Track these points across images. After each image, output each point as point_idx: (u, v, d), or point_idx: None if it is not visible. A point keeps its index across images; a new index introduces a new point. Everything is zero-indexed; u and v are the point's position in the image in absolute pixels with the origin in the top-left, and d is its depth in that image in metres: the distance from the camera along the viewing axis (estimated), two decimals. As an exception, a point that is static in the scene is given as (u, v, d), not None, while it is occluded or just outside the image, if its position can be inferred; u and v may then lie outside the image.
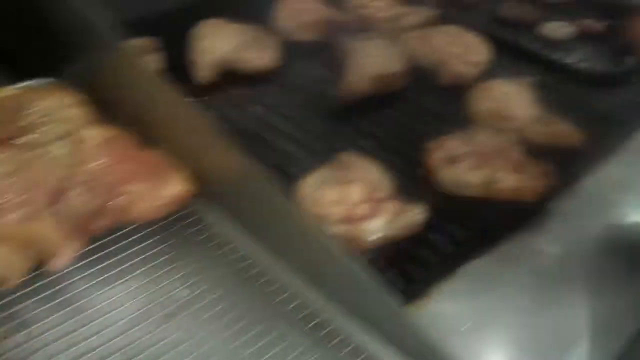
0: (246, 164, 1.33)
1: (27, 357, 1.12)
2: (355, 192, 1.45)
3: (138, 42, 1.89)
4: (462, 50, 2.04)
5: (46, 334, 1.15)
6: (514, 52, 2.19)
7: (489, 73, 2.04)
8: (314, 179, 1.48)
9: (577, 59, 2.14)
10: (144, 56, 1.81)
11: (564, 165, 1.70)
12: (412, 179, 1.62)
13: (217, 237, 1.38)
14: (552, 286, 1.43)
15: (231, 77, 1.92)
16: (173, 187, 1.40)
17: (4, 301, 1.17)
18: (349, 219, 1.40)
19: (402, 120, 1.83)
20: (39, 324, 1.17)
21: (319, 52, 2.07)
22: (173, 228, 1.39)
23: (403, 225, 1.43)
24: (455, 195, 1.57)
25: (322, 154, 1.66)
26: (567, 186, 1.68)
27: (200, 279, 1.29)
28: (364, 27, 2.17)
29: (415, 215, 1.45)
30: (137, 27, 2.01)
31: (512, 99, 1.84)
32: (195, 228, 1.40)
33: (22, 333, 1.15)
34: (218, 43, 1.93)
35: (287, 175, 1.59)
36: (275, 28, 2.12)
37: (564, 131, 1.77)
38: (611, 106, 1.99)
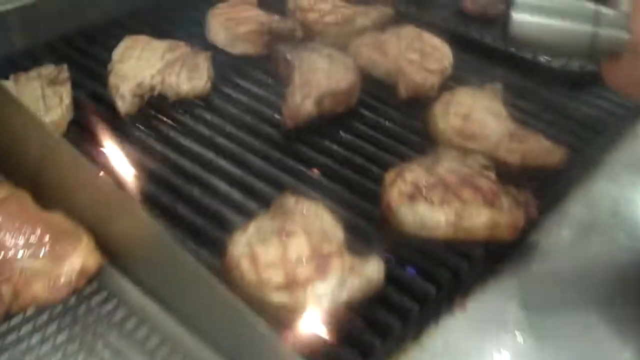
0: (156, 229, 1.09)
1: None
2: (298, 247, 1.21)
3: (46, 71, 1.62)
4: (420, 55, 1.79)
5: None
6: (480, 52, 1.96)
7: (454, 79, 1.81)
8: (246, 235, 1.23)
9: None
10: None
11: (545, 190, 1.47)
12: (368, 219, 1.38)
13: (131, 316, 1.13)
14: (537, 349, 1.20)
15: (157, 105, 1.65)
16: (76, 261, 1.16)
17: None
18: (290, 284, 1.16)
19: (355, 145, 1.59)
20: None
21: (257, 69, 1.81)
22: (79, 310, 1.15)
23: (357, 286, 1.19)
24: (419, 238, 1.33)
25: (262, 195, 1.42)
26: (550, 215, 1.45)
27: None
28: (308, 34, 1.91)
29: (372, 271, 1.21)
30: (48, 50, 1.79)
31: (480, 112, 1.60)
32: (106, 307, 1.16)
33: None
34: (140, 66, 1.67)
35: (222, 225, 1.34)
36: (207, 43, 1.86)
37: (542, 148, 1.54)
38: (592, 111, 1.76)
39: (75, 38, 1.86)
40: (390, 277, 1.24)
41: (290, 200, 1.32)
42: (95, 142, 1.51)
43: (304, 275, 1.17)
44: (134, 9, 1.99)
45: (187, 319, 1.12)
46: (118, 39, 1.78)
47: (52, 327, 1.12)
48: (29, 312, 1.13)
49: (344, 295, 1.17)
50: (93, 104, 1.63)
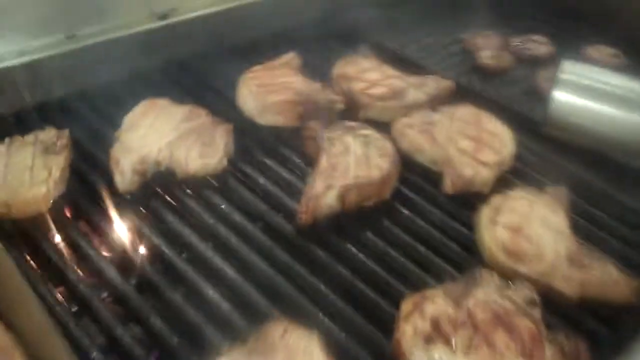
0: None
1: None
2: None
3: (44, 136, 1.46)
4: (475, 143, 1.52)
5: None
6: (551, 141, 1.65)
7: (514, 173, 1.53)
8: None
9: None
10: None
11: (609, 336, 1.18)
12: (377, 356, 1.13)
13: None
14: None
15: (164, 180, 1.45)
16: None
17: None
18: None
19: (380, 252, 1.34)
20: None
21: (285, 145, 1.59)
22: None
23: None
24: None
25: (255, 310, 1.19)
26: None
27: None
28: (351, 108, 1.68)
29: None
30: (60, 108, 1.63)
31: (536, 224, 1.32)
32: None
33: None
34: (149, 136, 1.47)
35: (199, 345, 1.12)
36: (235, 110, 1.65)
37: (609, 279, 1.25)
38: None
39: (95, 95, 1.69)
40: None
41: (276, 331, 1.08)
42: (79, 224, 1.33)
43: None
44: (164, 65, 1.80)
45: None
46: (140, 97, 1.60)
47: None
48: None
49: None
50: (93, 175, 1.44)
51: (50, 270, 1.26)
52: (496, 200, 1.38)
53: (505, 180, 1.50)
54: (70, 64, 1.65)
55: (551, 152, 1.62)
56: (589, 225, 1.42)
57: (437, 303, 1.13)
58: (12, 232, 1.31)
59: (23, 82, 1.59)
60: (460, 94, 1.76)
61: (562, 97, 1.01)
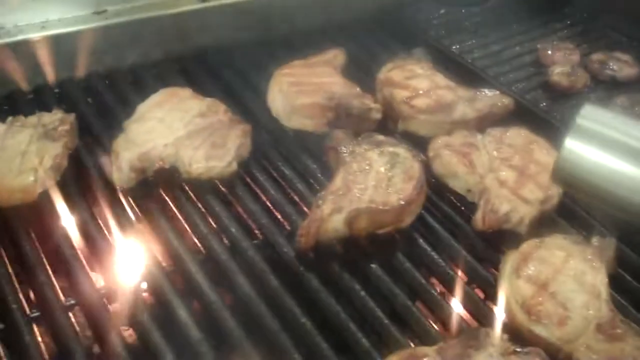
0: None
1: None
2: None
3: (48, 118, 1.37)
4: (518, 174, 1.33)
5: None
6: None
7: (561, 214, 1.33)
8: None
9: None
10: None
11: None
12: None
13: None
14: None
15: (167, 177, 1.33)
16: None
17: None
18: None
19: (385, 292, 1.18)
20: None
21: (309, 152, 1.44)
22: None
23: None
24: None
25: (229, 346, 1.06)
26: None
27: None
28: (391, 117, 1.51)
29: None
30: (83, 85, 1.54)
31: (568, 281, 1.12)
32: None
33: None
34: (157, 130, 1.36)
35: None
36: (263, 107, 1.52)
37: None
38: None
39: (119, 77, 1.59)
40: None
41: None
42: (62, 219, 1.23)
43: None
44: (199, 51, 1.68)
45: None
46: (166, 84, 1.50)
47: None
48: None
49: None
50: (94, 166, 1.34)
51: (22, 267, 1.17)
52: (527, 246, 1.19)
53: (548, 220, 1.30)
54: (96, 42, 1.55)
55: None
56: (631, 294, 1.20)
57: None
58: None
59: (44, 57, 1.51)
60: (520, 114, 1.55)
61: (574, 147, 0.82)
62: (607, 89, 1.69)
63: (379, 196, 1.24)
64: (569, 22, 1.97)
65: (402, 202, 1.24)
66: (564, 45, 1.80)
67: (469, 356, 0.98)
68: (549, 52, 1.76)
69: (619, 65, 1.72)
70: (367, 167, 1.30)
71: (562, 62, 1.72)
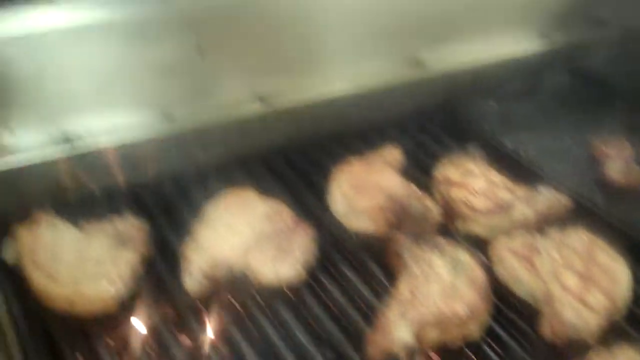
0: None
1: None
2: None
3: (121, 225, 1.42)
4: (582, 279, 1.34)
5: None
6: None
7: (631, 322, 1.33)
8: None
9: None
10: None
11: None
12: None
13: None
14: None
15: (234, 287, 1.37)
16: None
17: None
18: None
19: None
20: None
21: (373, 255, 1.47)
22: None
23: None
24: None
25: None
26: None
27: None
28: (450, 217, 1.53)
29: None
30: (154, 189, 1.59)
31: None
32: None
33: None
34: (225, 236, 1.40)
35: None
36: (324, 209, 1.56)
37: None
38: None
39: (187, 180, 1.64)
40: None
41: None
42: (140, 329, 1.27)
43: None
44: (264, 152, 1.74)
45: None
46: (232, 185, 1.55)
47: None
48: None
49: None
50: (168, 274, 1.38)
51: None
52: (596, 357, 1.19)
53: (619, 329, 1.30)
54: (164, 145, 1.61)
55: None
56: None
57: None
58: (71, 329, 1.27)
59: (114, 161, 1.57)
60: (577, 212, 1.57)
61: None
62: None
63: (447, 305, 1.26)
64: (618, 112, 1.99)
65: (472, 307, 1.25)
66: (619, 139, 1.81)
67: None
68: (604, 147, 1.78)
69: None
70: (430, 273, 1.32)
71: (617, 158, 1.73)
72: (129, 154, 1.57)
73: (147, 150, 1.59)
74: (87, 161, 1.54)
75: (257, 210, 1.48)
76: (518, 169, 1.69)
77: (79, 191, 1.56)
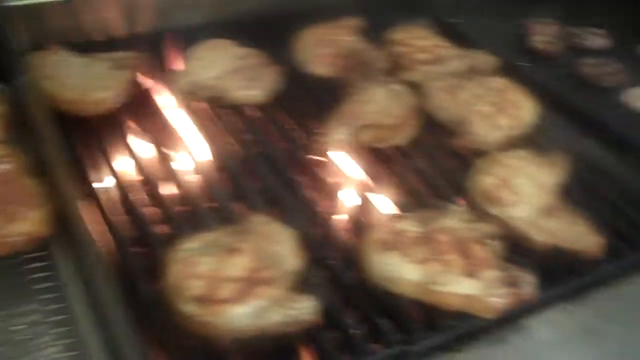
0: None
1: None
2: (234, 267, 1.16)
3: (118, 56, 1.72)
4: (495, 108, 1.64)
5: None
6: (578, 121, 1.75)
7: (530, 142, 1.64)
8: (194, 242, 1.21)
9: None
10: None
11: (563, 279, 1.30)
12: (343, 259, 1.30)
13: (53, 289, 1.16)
14: None
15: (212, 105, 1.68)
16: (22, 225, 1.20)
17: None
18: (205, 299, 1.11)
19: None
20: None
21: (327, 95, 1.77)
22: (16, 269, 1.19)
23: (278, 319, 1.12)
24: (387, 290, 1.22)
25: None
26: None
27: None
28: (396, 69, 1.83)
29: (300, 310, 1.13)
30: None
31: (523, 178, 1.43)
32: (40, 274, 1.19)
33: None
34: (206, 66, 1.71)
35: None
36: (291, 59, 1.86)
37: (577, 232, 1.34)
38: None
39: (177, 33, 1.93)
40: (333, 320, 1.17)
41: (258, 221, 1.27)
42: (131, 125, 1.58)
43: (223, 295, 1.12)
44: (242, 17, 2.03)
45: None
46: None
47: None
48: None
49: (260, 324, 1.11)
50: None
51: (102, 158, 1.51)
52: (494, 155, 1.51)
53: (515, 146, 1.60)
54: (161, 2, 1.91)
55: (574, 130, 1.71)
56: (583, 194, 1.51)
57: (403, 222, 1.29)
58: (77, 126, 1.58)
59: (116, 13, 1.86)
60: (503, 70, 1.87)
61: None
62: (579, 55, 1.99)
63: (379, 117, 1.57)
64: (556, 4, 2.28)
65: (396, 122, 1.57)
66: (547, 21, 2.12)
67: (439, 220, 1.30)
68: (533, 25, 2.08)
69: (592, 37, 2.04)
70: (370, 98, 1.63)
71: (543, 33, 2.04)
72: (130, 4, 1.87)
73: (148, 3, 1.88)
74: (90, 8, 1.83)
75: (233, 52, 1.78)
76: (458, 39, 1.98)
77: (84, 35, 1.86)
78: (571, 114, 1.75)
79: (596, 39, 2.03)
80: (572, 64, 1.94)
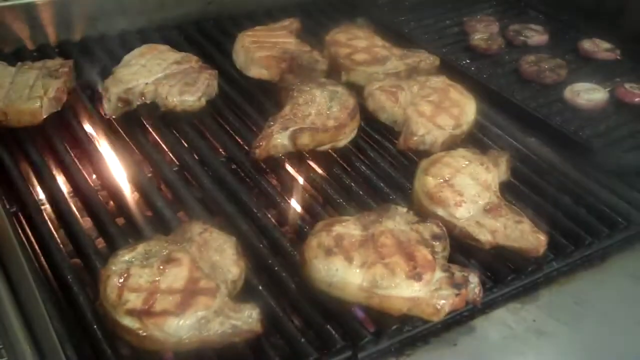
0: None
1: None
2: (173, 278, 1.12)
3: (51, 63, 1.66)
4: (435, 108, 1.63)
5: None
6: (516, 116, 1.75)
7: (471, 139, 1.64)
8: (133, 253, 1.16)
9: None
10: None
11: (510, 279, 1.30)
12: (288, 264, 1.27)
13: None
14: None
15: (146, 113, 1.63)
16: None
17: None
18: (144, 312, 1.07)
19: (318, 187, 1.47)
20: None
21: (268, 96, 1.73)
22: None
23: (219, 329, 1.08)
24: (330, 296, 1.19)
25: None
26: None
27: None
28: (336, 70, 1.81)
29: (243, 320, 1.10)
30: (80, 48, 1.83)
31: (466, 178, 1.42)
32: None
33: None
34: (140, 72, 1.65)
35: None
36: (229, 62, 1.83)
37: (519, 230, 1.33)
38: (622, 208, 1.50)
39: (111, 40, 1.89)
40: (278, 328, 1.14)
41: (196, 229, 1.23)
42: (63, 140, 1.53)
43: (161, 307, 1.08)
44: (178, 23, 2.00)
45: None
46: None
47: None
48: None
49: (201, 335, 1.08)
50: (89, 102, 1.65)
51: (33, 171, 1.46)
52: (436, 155, 1.49)
53: (458, 145, 1.60)
54: (93, 9, 1.86)
55: (514, 127, 1.71)
56: (525, 189, 1.51)
57: (345, 225, 1.26)
58: (7, 137, 1.51)
59: (48, 20, 1.80)
60: (444, 69, 1.86)
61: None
62: (519, 52, 2.00)
63: (319, 120, 1.54)
64: (494, 2, 2.31)
65: (337, 124, 1.54)
66: (486, 18, 2.13)
67: (381, 222, 1.28)
68: (472, 23, 2.09)
69: (531, 34, 2.05)
70: (311, 101, 1.60)
71: (482, 31, 2.04)
72: (59, 11, 1.81)
73: (74, 10, 1.83)
74: (21, 16, 1.77)
75: (168, 57, 1.73)
76: (398, 39, 1.97)
77: (14, 44, 1.79)
78: (512, 111, 1.74)
79: (534, 36, 2.04)
80: (512, 61, 1.94)
